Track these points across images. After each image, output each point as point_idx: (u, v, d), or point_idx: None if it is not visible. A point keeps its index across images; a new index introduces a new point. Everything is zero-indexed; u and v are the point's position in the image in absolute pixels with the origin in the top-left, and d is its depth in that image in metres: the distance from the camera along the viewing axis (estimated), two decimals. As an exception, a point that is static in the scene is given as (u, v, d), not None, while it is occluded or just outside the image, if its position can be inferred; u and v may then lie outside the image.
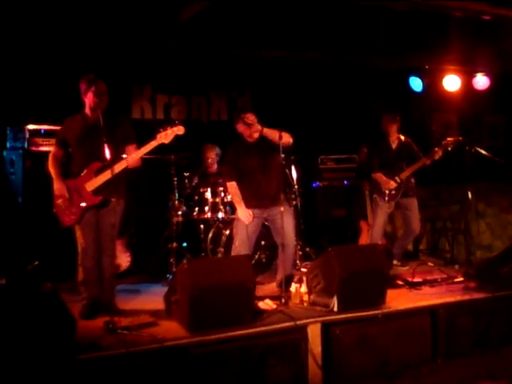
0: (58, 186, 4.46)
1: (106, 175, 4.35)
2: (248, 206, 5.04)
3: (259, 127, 4.92)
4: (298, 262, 6.11)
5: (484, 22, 5.63)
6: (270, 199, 5.05)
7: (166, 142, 4.44)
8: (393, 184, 6.04)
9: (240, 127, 5.05)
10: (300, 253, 6.31)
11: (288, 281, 4.82)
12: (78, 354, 3.50)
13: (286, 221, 4.88)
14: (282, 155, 4.80)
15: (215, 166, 6.52)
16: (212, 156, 6.50)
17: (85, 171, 4.43)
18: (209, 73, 7.17)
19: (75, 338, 3.57)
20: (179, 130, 4.46)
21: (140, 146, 4.51)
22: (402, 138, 6.23)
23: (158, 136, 4.42)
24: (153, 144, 4.43)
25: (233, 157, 5.12)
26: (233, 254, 5.07)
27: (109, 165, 4.27)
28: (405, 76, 7.52)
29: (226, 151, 5.29)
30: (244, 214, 5.01)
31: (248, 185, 5.08)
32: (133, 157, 4.42)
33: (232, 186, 5.11)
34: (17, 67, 5.99)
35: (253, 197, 5.05)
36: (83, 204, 4.42)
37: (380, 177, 6.12)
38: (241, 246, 5.01)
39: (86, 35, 5.88)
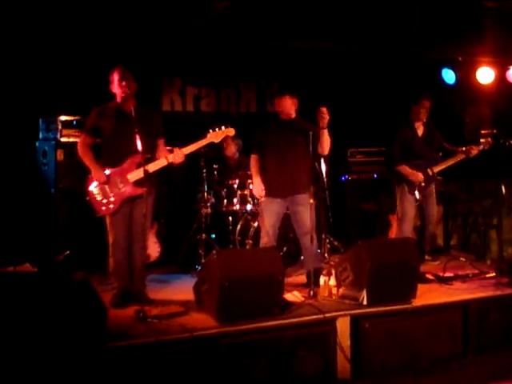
0: (97, 173, 4.44)
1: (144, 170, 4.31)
2: (270, 193, 5.06)
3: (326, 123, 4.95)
4: (326, 255, 6.08)
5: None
6: (293, 186, 5.07)
7: (216, 141, 4.65)
8: (420, 176, 5.77)
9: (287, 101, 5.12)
10: (328, 246, 6.27)
11: (316, 273, 4.81)
12: (109, 341, 3.55)
13: (304, 211, 5.00)
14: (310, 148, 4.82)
15: (236, 156, 6.52)
16: (233, 148, 6.49)
17: (127, 161, 4.44)
18: (238, 64, 7.15)
19: (106, 326, 3.63)
20: (230, 131, 4.73)
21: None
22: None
23: (209, 135, 4.61)
24: (203, 142, 4.60)
25: (263, 131, 5.24)
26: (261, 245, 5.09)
27: (150, 159, 4.34)
28: (437, 68, 7.39)
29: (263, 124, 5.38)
30: (258, 187, 5.09)
31: (274, 166, 5.09)
32: (182, 152, 4.46)
33: (254, 158, 5.24)
34: (50, 60, 6.07)
35: (275, 181, 5.06)
36: (125, 194, 4.43)
37: (404, 169, 5.80)
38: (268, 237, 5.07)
39: (118, 28, 5.91)
